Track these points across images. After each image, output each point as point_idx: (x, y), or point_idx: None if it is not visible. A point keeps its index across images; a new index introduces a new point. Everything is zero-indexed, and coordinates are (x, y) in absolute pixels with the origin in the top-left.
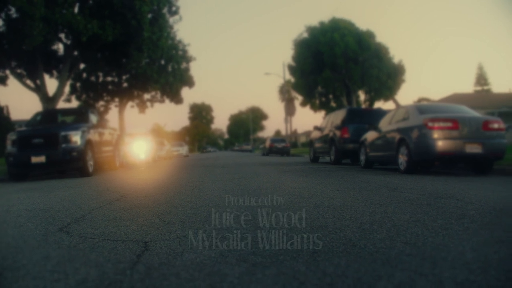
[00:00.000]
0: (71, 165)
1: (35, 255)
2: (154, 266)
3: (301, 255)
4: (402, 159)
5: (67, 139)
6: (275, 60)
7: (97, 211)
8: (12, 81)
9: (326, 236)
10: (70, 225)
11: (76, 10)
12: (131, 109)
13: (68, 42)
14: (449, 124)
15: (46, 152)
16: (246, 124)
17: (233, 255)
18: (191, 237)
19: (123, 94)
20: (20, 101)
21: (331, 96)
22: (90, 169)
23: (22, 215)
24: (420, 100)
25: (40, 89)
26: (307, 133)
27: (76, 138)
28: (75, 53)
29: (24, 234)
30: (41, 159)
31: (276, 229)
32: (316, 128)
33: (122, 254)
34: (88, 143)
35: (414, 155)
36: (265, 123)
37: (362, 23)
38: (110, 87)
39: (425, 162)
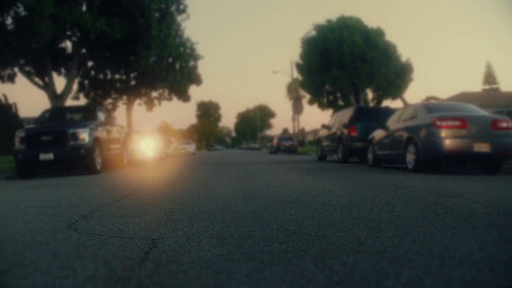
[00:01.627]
0: (79, 162)
1: (43, 252)
2: (162, 263)
3: (309, 253)
4: (410, 157)
5: (75, 137)
6: (283, 58)
7: (105, 208)
8: (20, 79)
9: (333, 234)
10: (78, 222)
11: (84, 8)
12: (139, 107)
13: (76, 40)
14: (457, 123)
15: (54, 149)
16: (254, 122)
17: (240, 253)
18: (198, 235)
19: (131, 91)
20: (29, 98)
21: (338, 95)
22: (98, 166)
23: (31, 212)
24: (428, 98)
25: (48, 87)
26: (315, 132)
27: (84, 135)
28: (83, 51)
29: (33, 231)
30: (49, 156)
31: (283, 227)
32: (324, 126)
33: (130, 251)
34: (96, 140)
35: (422, 154)
36: (272, 121)
37: (370, 21)
38: (118, 84)
39: (433, 161)
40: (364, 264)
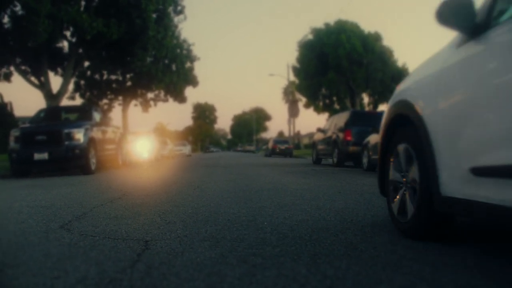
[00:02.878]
0: (73, 162)
1: (35, 252)
2: (154, 265)
3: (301, 257)
4: None
5: (70, 137)
6: (280, 61)
7: (99, 209)
8: (16, 78)
9: (327, 238)
10: (71, 223)
11: (81, 8)
12: (134, 108)
13: (73, 40)
14: None
15: (49, 149)
16: (250, 124)
17: (233, 256)
18: (191, 237)
19: (127, 92)
20: (24, 98)
21: (335, 98)
22: (93, 167)
23: (24, 212)
24: None
25: (44, 86)
26: (310, 135)
27: (79, 135)
28: (80, 51)
29: (25, 231)
30: (44, 156)
31: (277, 231)
32: (319, 130)
33: (122, 253)
34: (91, 140)
35: None
36: (268, 124)
37: (368, 26)
38: (114, 85)
39: None
40: (357, 269)
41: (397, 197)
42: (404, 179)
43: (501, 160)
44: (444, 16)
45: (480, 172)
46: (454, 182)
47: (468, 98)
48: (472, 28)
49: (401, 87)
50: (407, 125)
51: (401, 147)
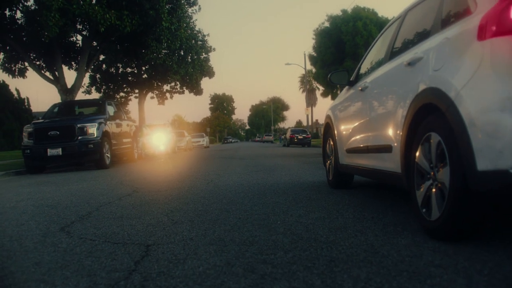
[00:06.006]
0: (87, 157)
1: (26, 261)
2: (151, 276)
3: (316, 265)
4: None
5: (83, 131)
6: (296, 50)
7: (105, 207)
8: (31, 73)
9: (345, 240)
10: (73, 224)
11: (93, 0)
12: (152, 101)
13: (86, 34)
14: None
15: (63, 144)
16: (267, 114)
17: (240, 263)
18: (197, 240)
19: (142, 85)
20: (39, 92)
21: None
22: (107, 161)
23: (27, 212)
24: None
25: (58, 81)
26: None
27: (92, 130)
28: (94, 44)
29: (23, 234)
30: (58, 151)
31: (290, 231)
32: None
33: (119, 260)
34: (105, 135)
35: None
36: (286, 113)
37: (385, 12)
38: (129, 78)
39: None
40: (379, 280)
41: (328, 167)
42: (331, 157)
43: (351, 146)
44: (333, 80)
45: (348, 151)
46: (342, 156)
47: (345, 116)
48: (348, 83)
49: (330, 106)
50: (330, 128)
51: (329, 140)
